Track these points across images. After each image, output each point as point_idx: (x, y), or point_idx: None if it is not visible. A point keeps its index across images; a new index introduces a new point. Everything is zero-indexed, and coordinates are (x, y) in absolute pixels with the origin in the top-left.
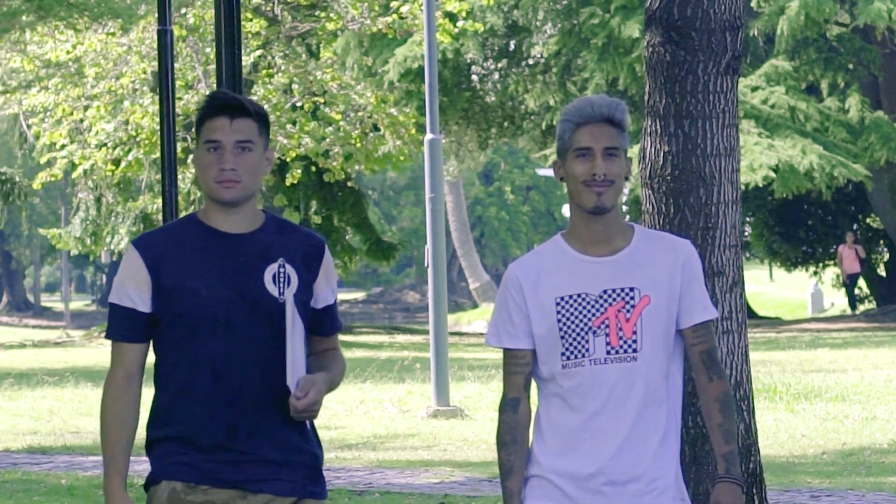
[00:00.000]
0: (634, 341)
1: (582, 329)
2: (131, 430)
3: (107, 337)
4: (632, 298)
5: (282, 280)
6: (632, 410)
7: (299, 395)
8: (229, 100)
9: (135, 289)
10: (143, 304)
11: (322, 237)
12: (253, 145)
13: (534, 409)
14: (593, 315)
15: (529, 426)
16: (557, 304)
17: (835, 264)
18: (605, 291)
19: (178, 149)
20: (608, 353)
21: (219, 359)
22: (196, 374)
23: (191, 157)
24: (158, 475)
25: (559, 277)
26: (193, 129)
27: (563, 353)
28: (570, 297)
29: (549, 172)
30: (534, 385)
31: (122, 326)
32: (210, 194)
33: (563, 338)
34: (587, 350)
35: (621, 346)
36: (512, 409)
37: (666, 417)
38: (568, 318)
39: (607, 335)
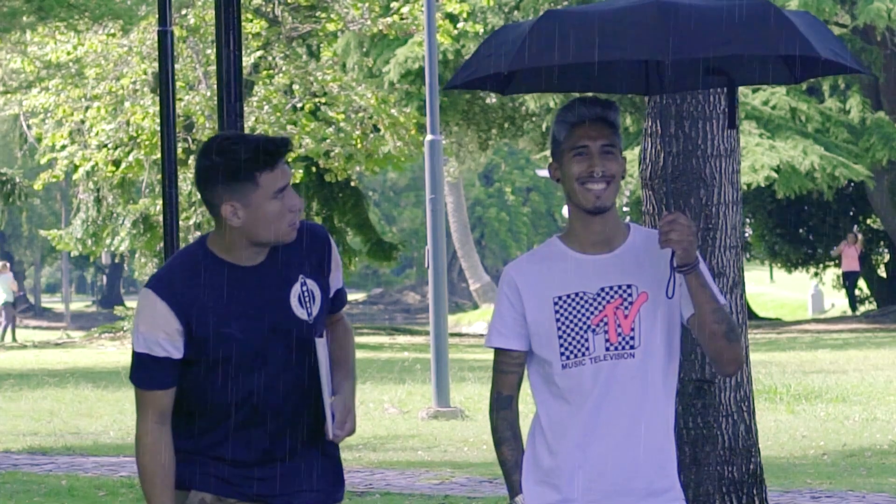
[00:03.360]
0: (632, 338)
1: (581, 328)
2: (172, 473)
3: (135, 384)
4: (629, 295)
5: (307, 299)
6: (632, 407)
7: (338, 432)
8: (283, 144)
9: (166, 339)
10: (176, 351)
11: (322, 226)
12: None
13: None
14: (592, 313)
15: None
16: (555, 303)
17: (836, 265)
18: (602, 289)
19: (179, 150)
20: (607, 349)
21: (257, 393)
22: (233, 409)
23: (191, 157)
24: (188, 483)
25: (556, 277)
26: (189, 129)
27: (562, 353)
28: (568, 296)
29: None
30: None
31: (157, 375)
32: (276, 238)
33: (561, 337)
34: (587, 349)
35: (620, 343)
36: (507, 406)
37: (666, 414)
38: (566, 318)
39: (606, 332)
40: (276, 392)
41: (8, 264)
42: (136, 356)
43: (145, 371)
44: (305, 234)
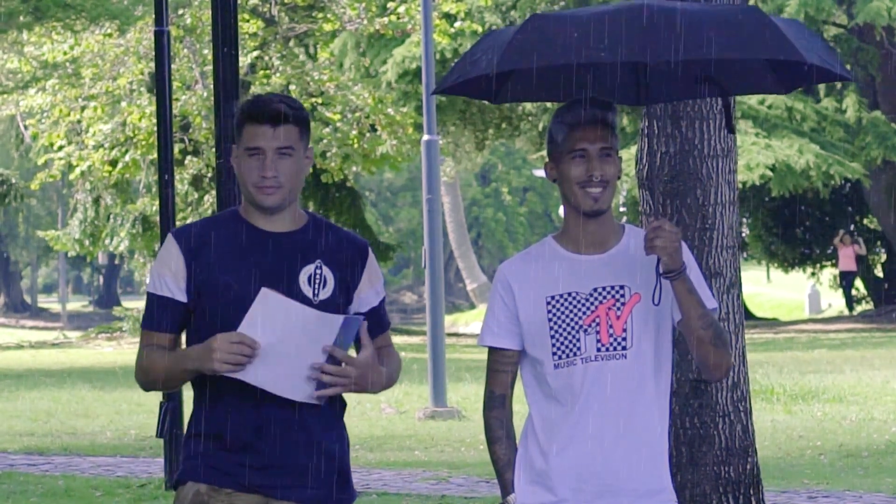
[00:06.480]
0: (624, 338)
1: (573, 328)
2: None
3: (141, 326)
4: (622, 296)
5: (317, 282)
6: (624, 408)
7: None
8: (273, 108)
9: (171, 278)
10: (179, 293)
11: (365, 240)
12: (293, 151)
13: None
14: (584, 313)
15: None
16: (548, 303)
17: (833, 265)
18: (595, 289)
19: (175, 150)
20: (598, 350)
21: None
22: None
23: (188, 157)
24: (185, 476)
25: (550, 277)
26: (186, 129)
27: (554, 353)
28: (561, 296)
29: None
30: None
31: (157, 315)
32: (250, 198)
33: (553, 337)
34: (579, 349)
35: (611, 344)
36: (500, 405)
37: (657, 415)
38: (559, 318)
39: (598, 333)
40: None
41: None
42: (147, 297)
43: (150, 311)
44: (342, 236)
